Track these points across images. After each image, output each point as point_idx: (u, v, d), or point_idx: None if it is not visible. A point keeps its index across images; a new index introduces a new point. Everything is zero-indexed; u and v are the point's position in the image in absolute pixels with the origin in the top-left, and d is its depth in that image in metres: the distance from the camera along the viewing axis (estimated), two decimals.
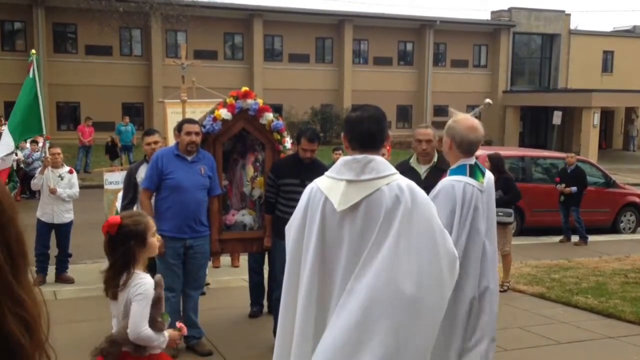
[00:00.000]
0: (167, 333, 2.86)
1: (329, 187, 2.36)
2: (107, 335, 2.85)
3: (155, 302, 2.80)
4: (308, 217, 2.37)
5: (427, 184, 3.27)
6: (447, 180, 3.15)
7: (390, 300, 2.22)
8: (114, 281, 2.77)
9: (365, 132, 2.41)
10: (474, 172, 3.15)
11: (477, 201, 3.09)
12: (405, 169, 4.07)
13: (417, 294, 2.23)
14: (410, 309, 2.23)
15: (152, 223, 2.89)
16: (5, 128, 7.11)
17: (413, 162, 4.50)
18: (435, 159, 4.47)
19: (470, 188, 3.08)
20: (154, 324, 2.79)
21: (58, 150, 7.15)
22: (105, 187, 7.54)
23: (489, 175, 3.28)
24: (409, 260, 2.24)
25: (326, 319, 2.33)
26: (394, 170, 2.41)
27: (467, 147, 3.17)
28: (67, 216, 7.01)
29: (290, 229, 2.48)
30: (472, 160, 3.19)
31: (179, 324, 3.00)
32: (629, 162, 26.67)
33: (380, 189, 2.30)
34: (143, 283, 2.75)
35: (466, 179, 3.10)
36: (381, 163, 2.36)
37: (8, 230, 0.90)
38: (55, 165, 6.96)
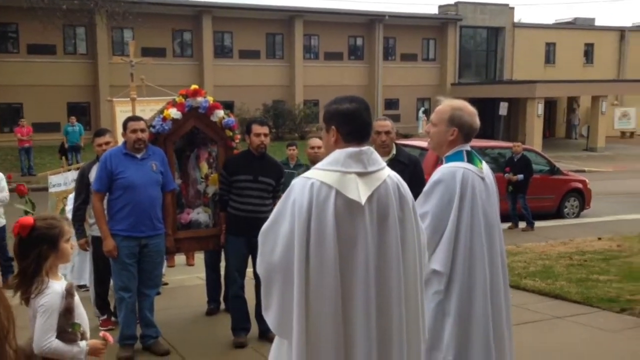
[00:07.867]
0: (83, 343, 2.70)
1: (338, 181, 2.24)
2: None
3: (65, 312, 2.65)
4: (314, 214, 2.20)
5: None
6: (446, 168, 2.94)
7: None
8: (26, 287, 2.63)
9: (364, 124, 2.36)
10: (472, 157, 2.99)
11: (476, 189, 2.90)
12: None
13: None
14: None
15: (67, 229, 2.73)
16: None
17: None
18: (394, 151, 4.51)
19: (470, 174, 2.90)
20: (64, 335, 2.64)
21: None
22: (50, 190, 7.31)
23: (487, 167, 3.08)
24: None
25: (349, 310, 2.23)
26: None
27: (472, 134, 3.04)
28: (0, 221, 6.81)
29: (288, 229, 2.24)
30: (468, 147, 3.02)
31: (102, 334, 2.82)
32: (572, 150, 27.70)
33: (385, 180, 2.31)
34: (47, 293, 2.61)
35: (464, 164, 2.93)
36: (377, 154, 2.38)
37: None
38: None
